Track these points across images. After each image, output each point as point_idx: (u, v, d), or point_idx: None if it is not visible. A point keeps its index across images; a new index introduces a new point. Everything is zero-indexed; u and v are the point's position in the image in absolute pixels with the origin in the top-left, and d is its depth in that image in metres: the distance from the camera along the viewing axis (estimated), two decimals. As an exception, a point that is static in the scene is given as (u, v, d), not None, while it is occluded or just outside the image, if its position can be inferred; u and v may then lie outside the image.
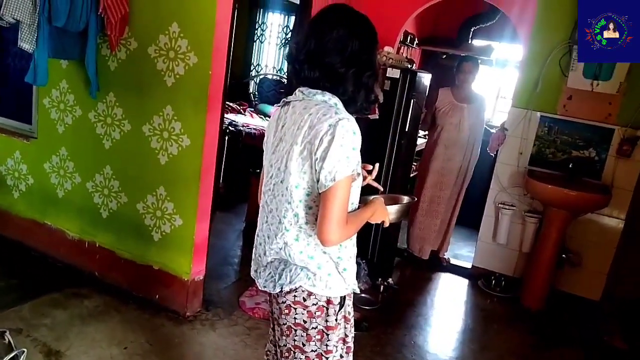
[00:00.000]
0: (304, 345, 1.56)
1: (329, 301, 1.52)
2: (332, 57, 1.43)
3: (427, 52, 6.28)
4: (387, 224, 1.66)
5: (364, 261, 3.69)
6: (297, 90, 1.52)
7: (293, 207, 1.47)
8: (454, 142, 4.18)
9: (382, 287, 3.64)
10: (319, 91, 1.47)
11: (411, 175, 4.62)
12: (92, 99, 3.07)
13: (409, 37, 5.19)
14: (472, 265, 4.23)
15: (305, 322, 1.54)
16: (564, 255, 3.76)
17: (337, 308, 1.54)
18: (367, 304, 3.42)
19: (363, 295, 3.49)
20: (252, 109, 6.43)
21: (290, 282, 1.51)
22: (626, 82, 3.51)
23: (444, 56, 6.23)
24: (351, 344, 1.64)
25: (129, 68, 2.96)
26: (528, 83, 3.87)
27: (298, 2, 4.34)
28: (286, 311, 1.55)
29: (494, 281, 4.02)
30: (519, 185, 3.96)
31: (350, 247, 1.56)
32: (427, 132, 4.78)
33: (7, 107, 3.61)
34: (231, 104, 5.99)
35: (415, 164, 4.83)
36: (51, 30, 2.91)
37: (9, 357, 1.98)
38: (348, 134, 1.37)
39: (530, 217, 3.87)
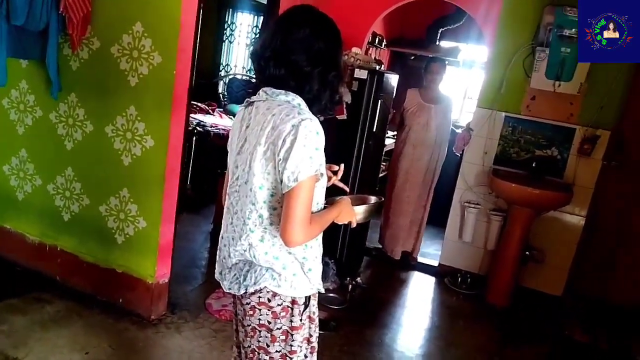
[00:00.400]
0: (268, 346, 1.55)
1: (293, 301, 1.52)
2: (299, 55, 1.44)
3: (396, 53, 6.34)
4: (354, 225, 1.67)
5: (332, 260, 3.70)
6: (260, 91, 1.52)
7: (257, 208, 1.47)
8: (421, 141, 4.23)
9: (350, 286, 3.65)
10: (283, 91, 1.47)
11: (380, 175, 4.66)
12: (53, 100, 2.99)
13: (377, 38, 5.23)
14: (439, 264, 4.29)
15: (269, 322, 1.53)
16: (527, 252, 3.84)
17: (302, 308, 1.54)
18: (336, 304, 3.43)
19: (331, 294, 3.50)
20: (221, 109, 6.39)
21: (254, 283, 1.50)
22: (586, 83, 3.60)
23: (413, 57, 6.30)
24: (315, 344, 1.64)
25: (91, 68, 2.90)
26: (493, 84, 3.94)
27: (266, 2, 4.33)
28: (250, 312, 1.54)
29: (460, 279, 4.08)
30: (484, 184, 4.03)
31: (315, 247, 1.56)
32: (395, 132, 4.84)
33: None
34: (200, 104, 5.93)
35: (384, 164, 4.87)
36: (10, 29, 2.83)
37: (-38, 365, 1.92)
38: (311, 134, 1.37)
39: (495, 216, 3.94)
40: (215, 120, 5.72)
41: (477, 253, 4.13)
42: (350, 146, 3.70)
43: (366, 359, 2.92)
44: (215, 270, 1.66)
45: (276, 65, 1.46)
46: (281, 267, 1.49)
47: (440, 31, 6.06)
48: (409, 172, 4.28)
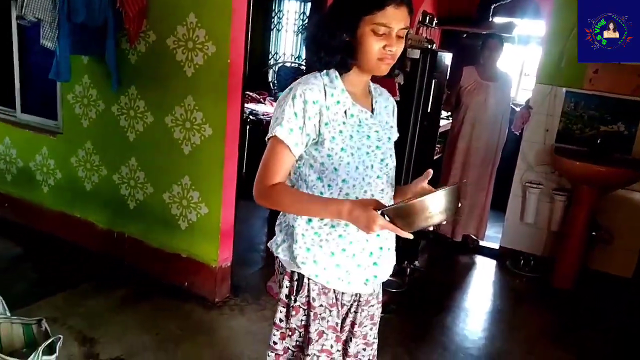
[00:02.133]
0: (274, 317, 1.53)
1: (285, 272, 1.47)
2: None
3: (447, 32, 6.16)
4: (373, 230, 1.21)
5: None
6: None
7: None
8: (479, 121, 4.11)
9: (408, 270, 3.63)
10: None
11: (435, 157, 4.57)
12: (114, 93, 3.11)
13: (427, 17, 5.11)
14: (500, 246, 4.18)
15: (278, 291, 1.51)
16: (594, 233, 3.69)
17: (295, 286, 1.44)
18: (394, 287, 3.41)
19: (390, 278, 3.47)
20: (272, 98, 6.43)
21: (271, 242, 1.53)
22: (655, 52, 3.39)
23: (465, 35, 6.11)
24: (316, 338, 1.46)
25: (149, 60, 2.99)
26: (552, 58, 3.78)
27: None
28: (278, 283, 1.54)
29: (522, 261, 3.96)
30: (546, 163, 3.88)
31: (321, 227, 1.39)
32: (450, 113, 4.73)
33: (33, 105, 3.69)
34: (251, 94, 5.99)
35: (438, 145, 4.78)
36: (71, 27, 2.95)
37: (46, 343, 2.04)
38: (288, 98, 1.34)
39: (559, 195, 3.80)
40: (266, 108, 5.77)
41: (540, 235, 4.00)
42: (404, 128, 3.64)
43: (428, 341, 2.90)
44: None
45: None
46: (279, 228, 1.50)
47: (493, 7, 5.84)
48: (468, 152, 4.17)
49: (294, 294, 1.44)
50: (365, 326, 1.57)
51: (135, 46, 2.99)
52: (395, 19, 1.30)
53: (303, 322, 1.46)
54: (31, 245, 3.49)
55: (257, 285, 3.25)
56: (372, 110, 1.48)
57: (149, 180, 3.14)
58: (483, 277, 3.95)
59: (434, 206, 1.20)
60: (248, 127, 4.90)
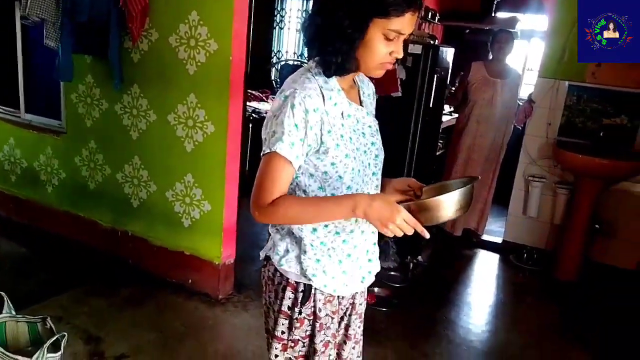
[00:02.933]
0: (273, 329, 1.41)
1: (288, 283, 1.37)
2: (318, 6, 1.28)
3: (450, 27, 6.15)
4: (407, 231, 1.18)
5: (391, 239, 3.68)
6: None
7: None
8: (485, 118, 4.10)
9: (411, 264, 3.64)
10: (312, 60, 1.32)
11: (437, 153, 4.57)
12: (117, 92, 3.13)
13: (429, 13, 5.10)
14: (503, 240, 4.18)
15: (271, 301, 1.42)
16: (596, 226, 3.69)
17: (300, 297, 1.36)
18: (397, 282, 3.42)
19: (392, 272, 3.50)
20: (274, 96, 6.45)
21: (263, 251, 1.45)
22: (657, 45, 3.38)
23: (468, 31, 6.10)
24: (322, 349, 1.41)
25: (151, 59, 3.01)
26: (554, 52, 3.78)
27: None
28: (264, 288, 1.46)
29: (525, 255, 3.97)
30: (548, 157, 3.88)
31: (326, 235, 1.34)
32: (453, 109, 4.73)
33: (37, 105, 3.72)
34: (254, 92, 6.01)
35: (441, 141, 4.78)
36: (74, 27, 2.98)
37: (51, 341, 2.06)
38: (288, 106, 1.21)
39: (562, 189, 3.79)
40: (269, 107, 5.78)
41: (542, 228, 4.00)
42: (406, 123, 3.65)
43: (432, 335, 2.91)
44: None
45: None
46: (279, 238, 1.38)
47: (496, 2, 5.83)
48: (472, 149, 4.16)
49: (298, 306, 1.36)
50: (356, 326, 1.54)
51: (138, 45, 3.00)
52: (409, 25, 1.22)
53: (308, 333, 1.40)
54: (36, 245, 3.52)
55: (260, 282, 3.24)
56: (361, 103, 1.42)
57: (152, 179, 3.15)
58: (486, 271, 3.96)
59: (456, 202, 1.25)
60: (250, 125, 4.92)
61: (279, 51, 7.46)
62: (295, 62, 7.13)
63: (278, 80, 7.18)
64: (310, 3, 6.92)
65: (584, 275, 3.66)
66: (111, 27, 2.95)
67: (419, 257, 3.76)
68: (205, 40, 2.79)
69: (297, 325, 1.38)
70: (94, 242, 3.45)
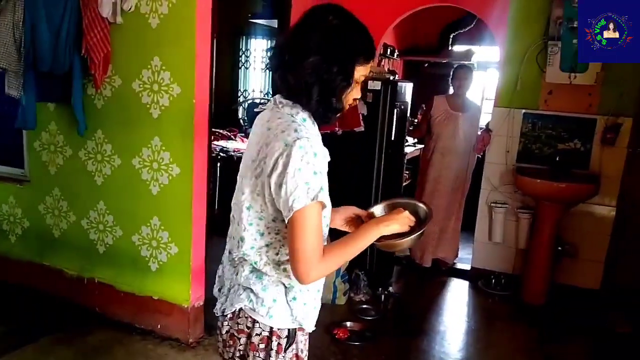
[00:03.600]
0: None
1: (272, 332, 1.35)
2: (303, 38, 1.28)
3: (410, 62, 6.37)
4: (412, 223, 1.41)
5: (362, 272, 3.71)
6: (275, 96, 1.38)
7: (247, 228, 1.34)
8: (449, 150, 4.21)
9: (383, 296, 3.66)
10: (290, 102, 1.32)
11: (404, 184, 4.67)
12: (81, 138, 3.13)
13: (388, 49, 5.28)
14: (471, 267, 4.25)
15: (247, 355, 1.37)
16: (560, 248, 3.79)
17: (284, 342, 1.36)
18: (370, 315, 3.43)
19: (364, 305, 3.51)
20: (242, 134, 6.50)
21: (231, 304, 1.38)
22: (603, 72, 3.58)
23: (426, 64, 6.33)
24: None
25: (115, 104, 3.03)
26: (508, 82, 3.94)
27: (277, 27, 4.43)
28: (230, 342, 1.40)
29: (493, 280, 4.04)
30: (509, 183, 4.00)
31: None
32: (416, 140, 4.86)
33: (-1, 154, 3.68)
34: (221, 131, 6.05)
35: (407, 172, 4.88)
36: (37, 76, 2.98)
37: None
38: (307, 156, 1.21)
39: (524, 213, 3.91)
40: (237, 145, 5.82)
41: (508, 253, 4.09)
42: (370, 156, 3.74)
43: (405, 367, 2.92)
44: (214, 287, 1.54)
45: (277, 63, 1.33)
46: (261, 288, 1.34)
47: (452, 36, 6.09)
48: (438, 180, 4.26)
49: (283, 352, 1.36)
50: None
51: (101, 91, 3.02)
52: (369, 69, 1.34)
53: None
54: (-1, 297, 3.42)
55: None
56: None
57: (118, 223, 3.13)
58: (457, 298, 4.01)
59: (413, 241, 1.48)
60: (219, 164, 4.94)
61: (245, 90, 7.56)
62: (262, 101, 7.23)
63: (245, 118, 7.26)
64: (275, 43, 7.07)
65: (551, 297, 3.74)
66: (74, 74, 2.97)
67: (390, 288, 3.79)
68: (168, 85, 2.83)
69: None
70: (60, 291, 3.37)
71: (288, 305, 1.35)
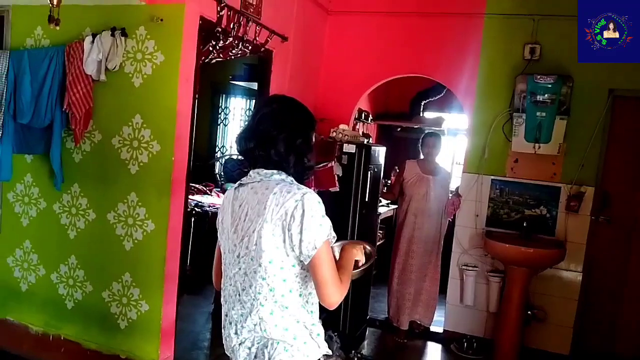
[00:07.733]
0: None
1: None
2: (266, 124, 1.60)
3: (383, 126, 6.59)
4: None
5: (335, 334, 3.67)
6: (252, 172, 1.63)
7: (269, 282, 1.54)
8: (422, 211, 4.29)
9: (356, 359, 3.62)
10: (275, 171, 1.59)
11: (378, 243, 4.72)
12: (57, 191, 3.12)
13: (363, 114, 5.49)
14: (444, 329, 4.26)
15: None
16: (529, 312, 3.85)
17: None
18: (341, 378, 3.38)
19: (336, 369, 3.46)
20: (219, 189, 6.53)
21: (270, 359, 1.56)
22: (565, 143, 3.78)
23: (399, 129, 6.55)
24: None
25: (93, 159, 3.06)
26: (476, 149, 4.12)
27: (256, 88, 4.58)
28: None
29: (465, 344, 4.04)
30: (479, 247, 4.09)
31: (316, 310, 1.64)
32: (389, 201, 4.96)
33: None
34: (197, 186, 6.08)
35: (380, 232, 4.95)
36: (16, 127, 3.02)
37: None
38: (315, 205, 1.52)
39: (493, 277, 3.98)
40: (212, 200, 5.84)
41: (480, 316, 4.13)
42: (345, 216, 3.81)
43: None
44: (225, 350, 1.70)
45: (249, 139, 1.62)
46: (292, 337, 1.56)
47: (423, 103, 6.34)
48: (411, 240, 4.31)
49: None
50: None
51: (80, 146, 3.05)
52: None
53: None
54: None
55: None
56: None
57: (88, 279, 3.08)
58: (429, 362, 3.99)
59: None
60: (193, 218, 4.93)
61: (223, 146, 7.67)
62: (239, 157, 7.31)
63: (222, 174, 7.32)
64: (252, 102, 7.26)
65: (521, 362, 3.76)
66: (54, 128, 3.00)
67: (363, 351, 3.76)
68: (148, 142, 2.89)
69: None
70: (23, 347, 3.25)
71: (315, 341, 1.60)
